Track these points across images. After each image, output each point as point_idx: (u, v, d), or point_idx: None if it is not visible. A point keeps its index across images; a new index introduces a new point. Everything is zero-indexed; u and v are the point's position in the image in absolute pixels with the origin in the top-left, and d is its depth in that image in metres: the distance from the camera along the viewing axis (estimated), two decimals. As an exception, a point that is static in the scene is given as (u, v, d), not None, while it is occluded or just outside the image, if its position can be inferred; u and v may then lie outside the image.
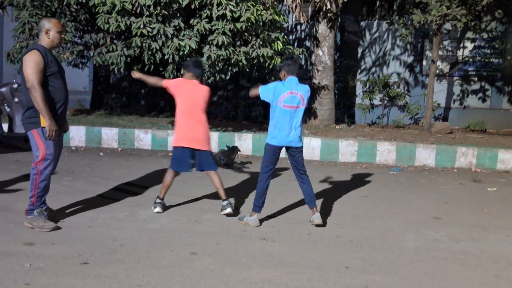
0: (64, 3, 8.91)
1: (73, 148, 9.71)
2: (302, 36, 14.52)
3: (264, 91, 5.07)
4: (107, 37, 8.81)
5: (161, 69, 8.94)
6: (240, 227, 4.93)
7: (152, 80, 5.67)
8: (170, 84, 5.42)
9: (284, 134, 5.00)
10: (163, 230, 4.76)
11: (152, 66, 8.80)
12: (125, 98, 15.38)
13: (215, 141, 9.66)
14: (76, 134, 9.93)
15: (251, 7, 8.42)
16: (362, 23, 14.31)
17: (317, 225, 5.00)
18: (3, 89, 9.03)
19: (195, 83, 5.42)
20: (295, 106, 4.99)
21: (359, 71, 14.28)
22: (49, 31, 4.65)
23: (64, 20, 9.13)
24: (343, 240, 4.66)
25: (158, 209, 5.38)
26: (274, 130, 5.05)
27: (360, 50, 14.31)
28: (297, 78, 5.08)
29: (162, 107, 14.43)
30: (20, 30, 9.37)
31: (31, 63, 4.45)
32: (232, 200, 5.76)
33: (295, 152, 5.11)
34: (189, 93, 5.32)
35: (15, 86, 9.03)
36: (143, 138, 9.94)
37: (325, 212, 5.55)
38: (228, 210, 5.30)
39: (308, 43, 14.21)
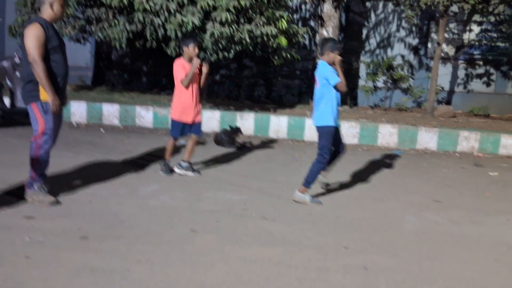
0: (66, -23, 8.77)
1: (74, 124, 9.68)
2: (307, 16, 14.35)
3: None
4: (109, 12, 8.69)
5: (163, 45, 8.84)
6: (241, 206, 4.92)
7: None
8: None
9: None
10: (164, 207, 4.76)
11: (155, 42, 8.71)
12: (126, 75, 15.28)
13: (217, 120, 9.63)
14: (77, 110, 9.89)
15: (256, -17, 8.31)
16: (368, 4, 14.12)
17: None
18: (5, 63, 8.95)
19: None
20: (317, 86, 5.16)
21: (363, 52, 14.15)
22: (52, 3, 4.58)
23: (66, -6, 8.99)
24: (342, 221, 4.66)
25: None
26: None
27: (365, 31, 14.15)
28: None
29: (164, 84, 14.35)
30: (22, 3, 9.25)
31: (32, 37, 4.39)
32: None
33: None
34: None
35: (17, 60, 8.95)
36: (145, 115, 9.90)
37: (326, 193, 5.54)
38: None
39: (312, 23, 14.05)
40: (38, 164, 4.60)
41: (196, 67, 5.74)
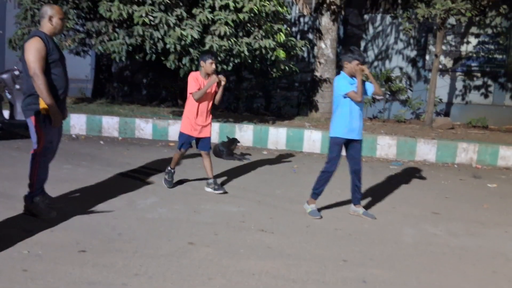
0: (66, -9, 8.86)
1: (73, 136, 9.70)
2: (305, 29, 14.45)
3: None
4: (109, 25, 8.76)
5: (162, 58, 8.89)
6: (239, 218, 4.92)
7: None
8: None
9: None
10: (162, 219, 4.76)
11: (154, 55, 8.76)
12: (126, 87, 15.35)
13: (216, 131, 9.65)
14: (77, 122, 9.92)
15: (255, -3, 8.39)
16: (366, 17, 14.23)
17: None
18: (5, 76, 8.99)
19: None
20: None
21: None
22: (52, 17, 4.61)
23: (66, 7, 9.07)
24: (341, 233, 4.66)
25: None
26: None
27: (363, 44, 14.24)
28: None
29: (163, 97, 14.41)
30: (22, 17, 9.32)
31: (33, 50, 4.41)
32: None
33: None
34: None
35: (17, 73, 8.98)
36: (144, 127, 9.93)
37: (324, 205, 5.55)
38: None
39: (311, 36, 14.14)
40: (38, 177, 4.60)
41: (212, 85, 5.70)
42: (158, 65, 9.30)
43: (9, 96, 9.00)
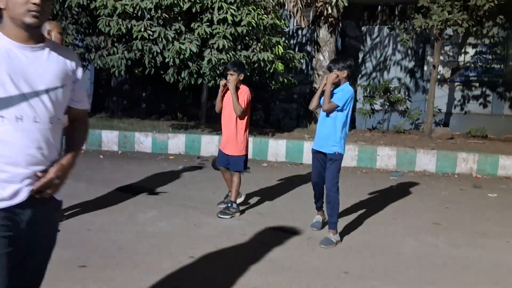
0: (66, 6, 8.91)
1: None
2: (303, 41, 14.54)
3: None
4: (108, 40, 8.83)
5: (161, 72, 8.93)
6: (239, 231, 4.91)
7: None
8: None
9: None
10: (162, 233, 4.74)
11: (153, 69, 8.80)
12: (126, 101, 15.40)
13: (216, 144, 9.66)
14: (76, 137, 9.90)
15: (252, 11, 8.44)
16: (363, 28, 14.32)
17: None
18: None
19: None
20: None
21: (359, 76, 14.28)
22: (50, 32, 4.65)
23: (65, 22, 9.13)
24: (342, 245, 4.64)
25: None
26: None
27: (361, 55, 14.32)
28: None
29: (162, 110, 14.45)
30: None
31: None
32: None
33: None
34: None
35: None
36: (143, 141, 9.93)
37: (325, 218, 5.53)
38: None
39: (309, 48, 14.22)
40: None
41: (221, 94, 5.48)
42: (157, 79, 9.34)
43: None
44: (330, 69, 4.79)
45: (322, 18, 11.45)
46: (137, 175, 7.46)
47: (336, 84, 4.74)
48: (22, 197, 1.96)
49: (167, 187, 6.82)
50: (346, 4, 10.77)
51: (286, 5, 10.56)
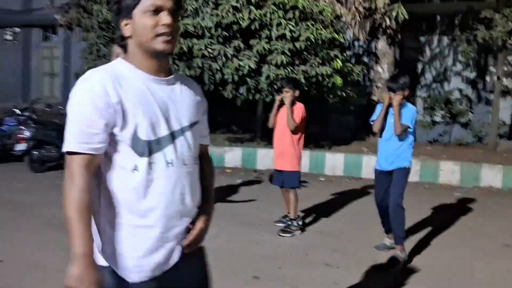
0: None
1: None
2: (360, 52, 14.35)
3: None
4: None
5: (220, 88, 9.06)
6: (302, 251, 4.87)
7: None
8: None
9: None
10: (223, 250, 4.76)
11: (212, 86, 8.95)
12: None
13: (271, 158, 9.67)
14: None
15: (311, 26, 8.44)
16: (422, 39, 13.97)
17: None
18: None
19: None
20: None
21: (419, 87, 13.92)
22: (119, 55, 4.84)
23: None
24: (410, 268, 4.51)
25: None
26: None
27: (419, 66, 13.96)
28: None
29: (217, 123, 14.60)
30: (88, 51, 9.80)
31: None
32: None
33: None
34: None
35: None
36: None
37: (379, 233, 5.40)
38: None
39: (366, 59, 14.02)
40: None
41: (276, 106, 5.54)
42: (214, 94, 9.47)
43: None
44: (391, 89, 4.71)
45: (380, 29, 11.29)
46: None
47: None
48: (176, 256, 1.70)
49: (226, 202, 6.87)
50: (407, 17, 10.56)
51: (344, 17, 10.48)
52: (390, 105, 4.68)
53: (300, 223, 5.59)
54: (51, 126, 9.14)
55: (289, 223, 5.52)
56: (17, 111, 9.50)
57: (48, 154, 8.78)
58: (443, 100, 12.62)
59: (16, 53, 19.69)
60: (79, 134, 1.55)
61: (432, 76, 13.86)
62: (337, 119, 14.08)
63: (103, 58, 9.61)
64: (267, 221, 5.92)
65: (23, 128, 8.61)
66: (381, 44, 11.50)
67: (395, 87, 4.66)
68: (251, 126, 13.14)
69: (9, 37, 19.55)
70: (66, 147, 1.56)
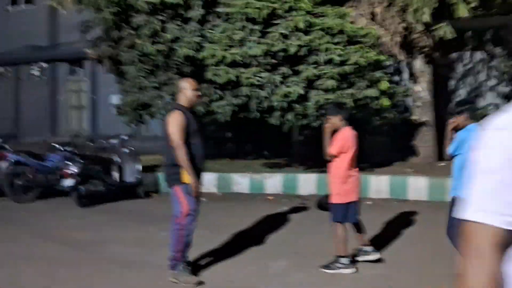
0: (170, 58, 9.26)
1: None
2: (397, 73, 14.23)
3: None
4: (210, 87, 9.00)
5: (266, 115, 8.98)
6: (383, 283, 4.69)
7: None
8: None
9: None
10: (301, 285, 4.62)
11: (258, 113, 8.88)
12: (212, 142, 15.60)
13: (313, 182, 9.54)
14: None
15: (360, 49, 8.41)
16: (454, 55, 13.86)
17: None
18: (114, 141, 9.48)
19: None
20: None
21: (454, 103, 13.74)
22: (186, 90, 4.84)
23: (170, 73, 9.47)
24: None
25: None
26: None
27: (452, 83, 13.83)
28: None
29: (251, 149, 14.48)
30: (131, 85, 9.84)
31: (175, 123, 4.64)
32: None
33: None
34: None
35: (125, 138, 9.50)
36: (241, 182, 9.93)
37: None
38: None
39: (399, 78, 13.89)
40: (183, 245, 4.67)
41: (326, 135, 5.29)
42: (260, 122, 9.37)
43: (118, 160, 9.39)
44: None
45: (417, 48, 11.24)
46: (247, 219, 7.12)
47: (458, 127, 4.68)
48: None
49: (281, 232, 6.64)
50: (455, 35, 10.48)
51: (383, 38, 10.43)
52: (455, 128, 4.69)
53: (347, 261, 5.05)
54: (96, 161, 9.21)
55: (335, 259, 5.07)
56: (58, 146, 9.54)
57: (95, 189, 8.81)
58: (480, 115, 12.41)
59: (43, 88, 19.96)
60: (489, 199, 1.13)
61: (466, 92, 13.70)
62: (372, 140, 13.90)
63: (144, 90, 9.64)
64: (331, 250, 5.30)
65: (69, 163, 8.61)
66: (418, 63, 11.45)
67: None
68: (283, 150, 12.98)
69: (36, 72, 19.84)
70: (469, 215, 1.14)
